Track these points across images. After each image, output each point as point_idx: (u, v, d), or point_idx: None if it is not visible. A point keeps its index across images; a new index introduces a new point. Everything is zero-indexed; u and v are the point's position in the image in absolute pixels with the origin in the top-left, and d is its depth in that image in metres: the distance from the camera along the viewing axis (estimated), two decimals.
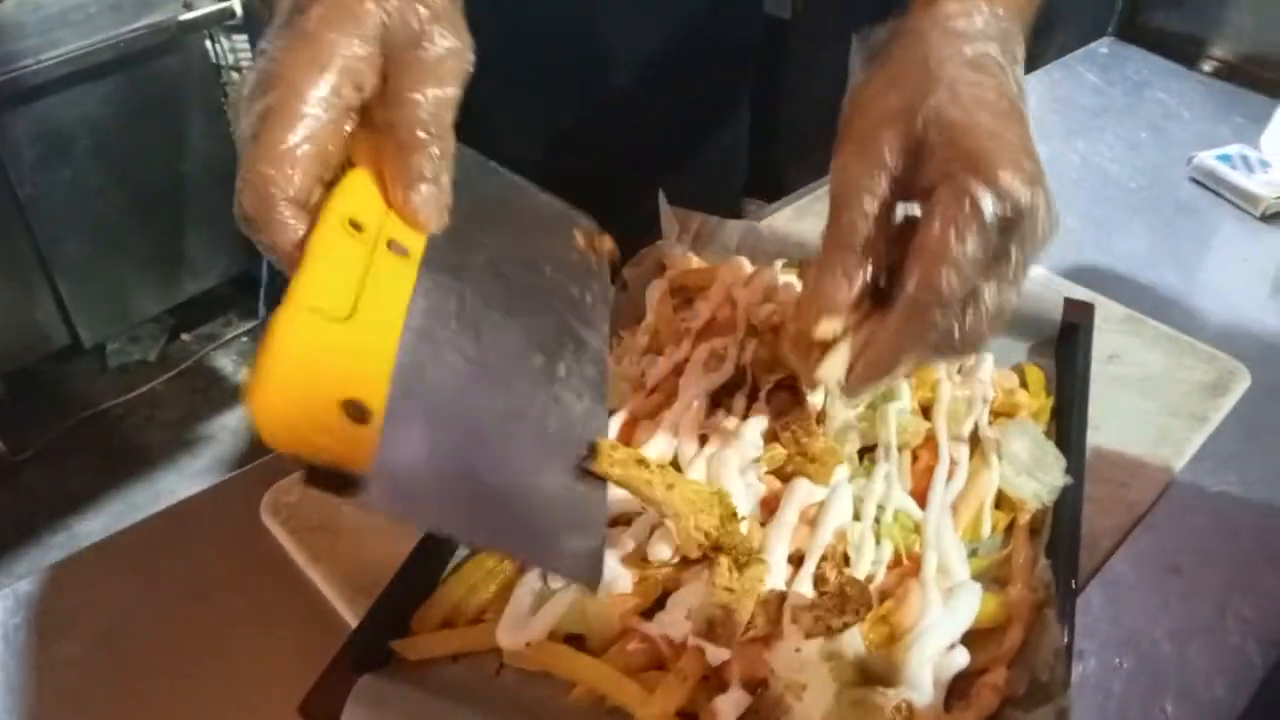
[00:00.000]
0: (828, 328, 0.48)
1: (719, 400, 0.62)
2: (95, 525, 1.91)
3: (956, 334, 0.46)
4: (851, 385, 0.50)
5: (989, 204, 0.43)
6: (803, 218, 0.88)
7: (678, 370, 0.64)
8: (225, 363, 2.28)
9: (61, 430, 2.08)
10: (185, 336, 2.32)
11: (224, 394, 2.20)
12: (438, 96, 0.43)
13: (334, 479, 0.37)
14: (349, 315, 0.39)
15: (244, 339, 2.31)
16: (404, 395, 0.39)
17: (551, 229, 0.56)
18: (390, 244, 0.43)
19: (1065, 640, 0.48)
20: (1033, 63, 1.20)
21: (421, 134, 0.43)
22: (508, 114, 0.60)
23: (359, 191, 0.43)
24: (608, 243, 0.58)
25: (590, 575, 0.44)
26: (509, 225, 0.53)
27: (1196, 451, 0.66)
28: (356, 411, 0.37)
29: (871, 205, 0.46)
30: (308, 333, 0.37)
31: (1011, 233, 0.44)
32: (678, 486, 0.51)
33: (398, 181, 0.43)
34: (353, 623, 0.52)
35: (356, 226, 0.41)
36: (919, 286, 0.44)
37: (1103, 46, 1.24)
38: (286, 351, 0.36)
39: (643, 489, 0.50)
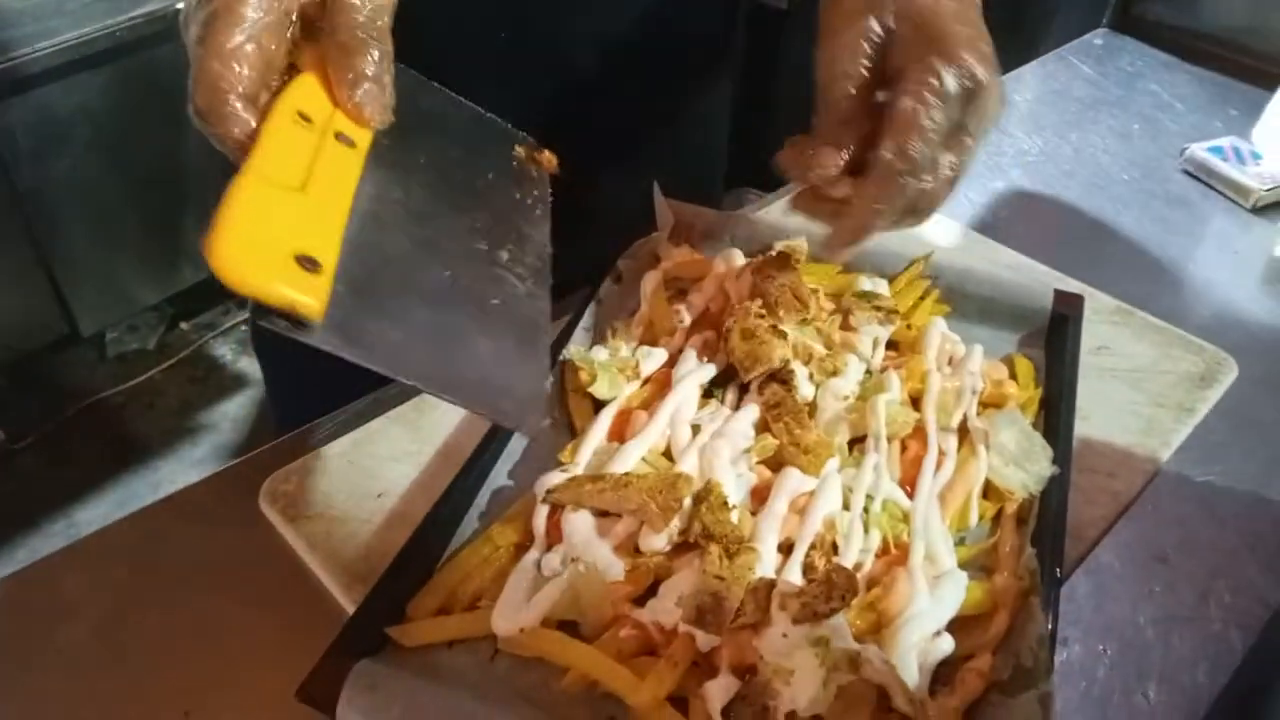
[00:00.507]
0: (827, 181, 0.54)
1: (711, 391, 0.63)
2: (95, 513, 1.91)
3: (921, 197, 0.52)
4: (833, 245, 0.56)
5: (951, 80, 0.50)
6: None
7: (671, 361, 0.65)
8: (224, 351, 2.28)
9: (61, 419, 2.09)
10: (184, 325, 2.33)
11: (223, 382, 2.21)
12: (374, 1, 0.47)
13: (285, 319, 0.41)
14: (300, 188, 0.44)
15: (243, 328, 2.31)
16: (355, 255, 0.44)
17: (491, 141, 0.60)
18: (338, 135, 0.47)
19: (1049, 627, 0.49)
20: (1028, 54, 1.20)
21: (361, 35, 0.46)
22: (479, 102, 0.62)
23: (307, 90, 0.47)
24: (548, 156, 0.62)
25: (528, 425, 0.48)
26: (449, 134, 0.58)
27: (1183, 442, 0.67)
28: (309, 263, 0.41)
29: (851, 86, 0.52)
30: (262, 195, 0.42)
31: (968, 107, 0.51)
32: (633, 482, 0.53)
33: (341, 81, 0.47)
34: (349, 609, 0.53)
35: (305, 118, 0.46)
36: (892, 152, 0.50)
37: (1097, 38, 1.24)
38: (243, 208, 0.41)
39: (598, 501, 0.53)
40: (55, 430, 2.07)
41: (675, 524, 0.52)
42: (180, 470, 2.01)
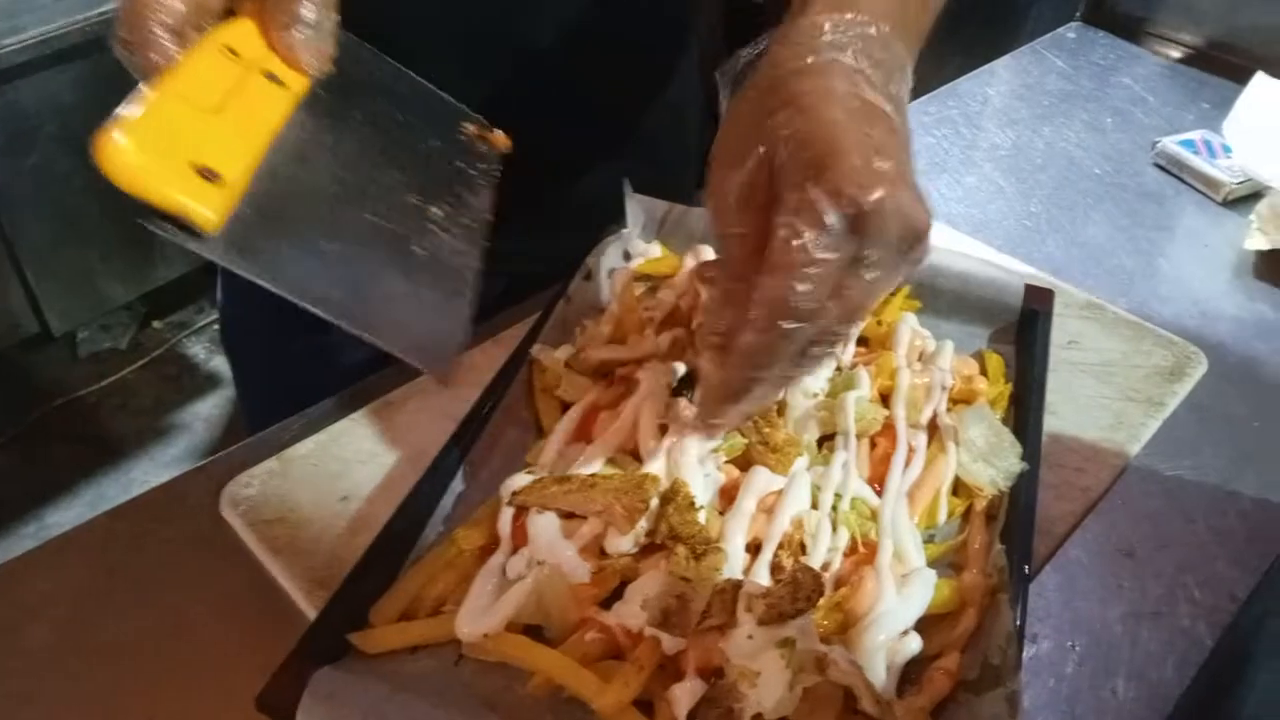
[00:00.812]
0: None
1: (680, 390, 0.63)
2: (67, 515, 1.89)
3: (811, 345, 0.45)
4: (704, 409, 0.50)
5: (826, 210, 0.42)
6: None
7: (639, 360, 0.64)
8: (197, 350, 2.26)
9: (32, 419, 2.07)
10: (156, 324, 2.30)
11: (196, 381, 2.19)
12: None
13: (178, 225, 0.42)
14: (214, 110, 0.44)
15: (215, 327, 2.29)
16: (269, 184, 0.45)
17: (441, 115, 0.61)
18: (266, 74, 0.48)
19: (1018, 624, 0.49)
20: (1001, 48, 1.20)
21: None
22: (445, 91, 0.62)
23: (241, 32, 0.47)
24: (500, 136, 0.62)
25: (441, 369, 0.50)
26: (396, 102, 0.58)
27: (1152, 436, 0.67)
28: (208, 174, 0.42)
29: (739, 246, 0.46)
30: (167, 105, 0.43)
31: (863, 234, 0.43)
32: (599, 483, 0.53)
33: (276, 23, 0.47)
34: (311, 615, 0.52)
35: (233, 53, 0.46)
36: (766, 303, 0.44)
37: (1070, 32, 1.25)
38: (143, 111, 0.41)
39: (563, 503, 0.52)
40: (26, 430, 2.05)
41: (642, 525, 0.52)
42: (153, 470, 1.99)
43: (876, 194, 0.42)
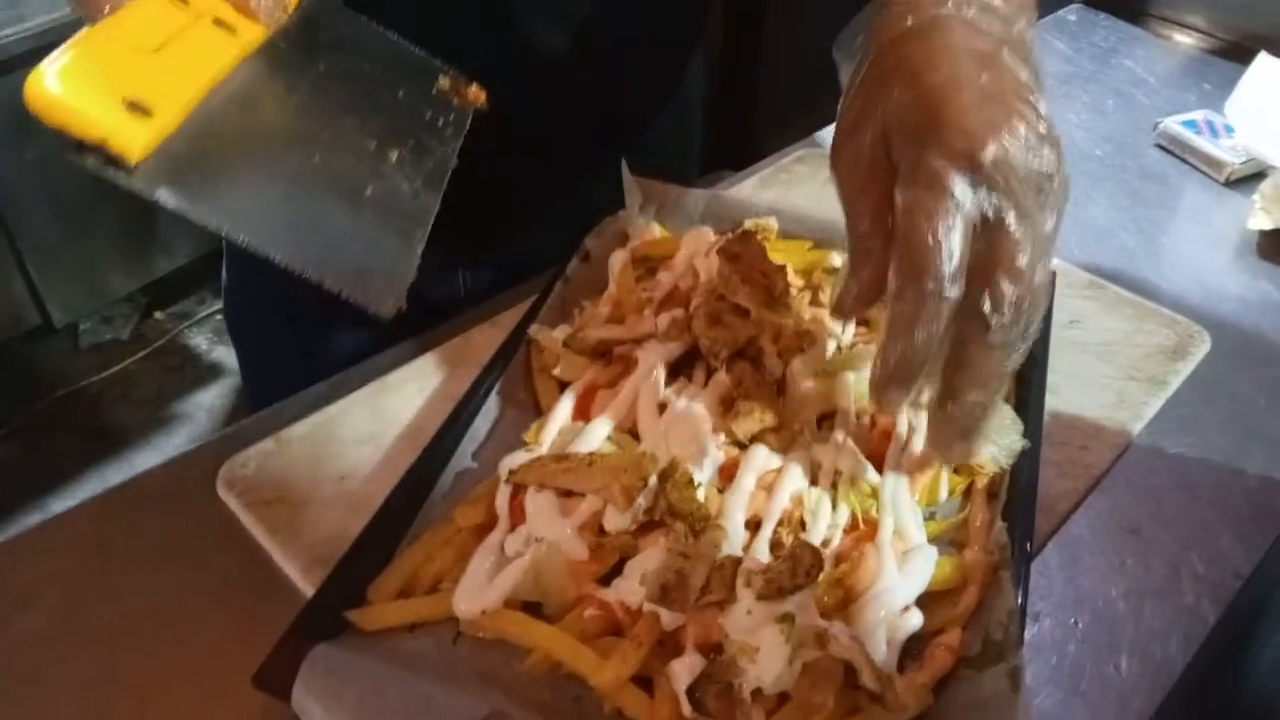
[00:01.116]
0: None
1: (679, 369, 0.62)
2: (69, 504, 1.88)
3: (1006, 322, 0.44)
4: (874, 389, 0.48)
5: (943, 173, 0.41)
6: (768, 187, 0.87)
7: (638, 340, 0.64)
8: (199, 340, 2.26)
9: (35, 410, 2.07)
10: (158, 315, 2.30)
11: (198, 372, 2.19)
12: None
13: (105, 157, 0.42)
14: (153, 50, 0.45)
15: (217, 317, 2.29)
16: (207, 124, 0.46)
17: (412, 69, 0.61)
18: (216, 20, 0.49)
19: (1019, 601, 0.49)
20: None
21: None
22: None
23: None
24: (474, 90, 0.62)
25: (383, 306, 0.49)
26: (365, 56, 0.59)
27: (1155, 415, 0.67)
28: (138, 108, 0.43)
29: (866, 220, 0.45)
30: (101, 44, 0.43)
31: (989, 187, 0.41)
32: (598, 462, 0.53)
33: None
34: (308, 595, 0.52)
35: (184, 1, 0.48)
36: (899, 271, 0.43)
37: (1071, 13, 1.24)
38: (74, 48, 0.42)
39: (562, 481, 0.52)
40: (29, 421, 2.05)
41: (640, 503, 0.51)
42: (155, 460, 1.96)
43: (990, 147, 0.41)
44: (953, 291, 0.42)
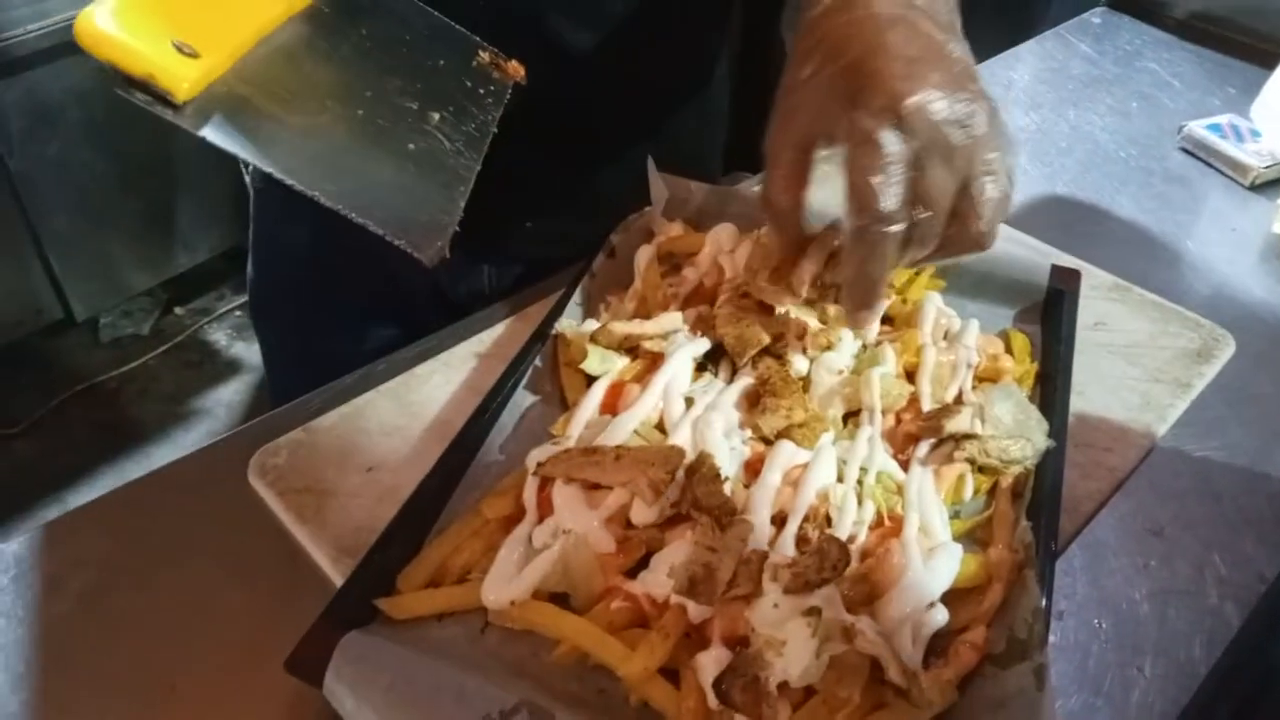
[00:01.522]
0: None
1: (705, 365, 0.63)
2: (88, 498, 1.90)
3: (920, 234, 0.49)
4: (849, 313, 0.53)
5: (870, 128, 0.46)
6: None
7: (665, 336, 0.64)
8: (219, 336, 2.27)
9: (54, 404, 2.08)
10: (178, 310, 2.32)
11: (217, 368, 2.20)
12: None
13: (153, 93, 0.44)
14: (203, 3, 0.48)
15: (237, 313, 2.30)
16: (255, 72, 0.49)
17: (453, 42, 0.63)
18: None
19: (1044, 600, 0.49)
20: (1027, 33, 1.20)
21: None
22: None
23: None
24: (514, 65, 0.64)
25: (426, 251, 0.50)
26: (407, 27, 0.61)
27: (1180, 417, 0.66)
28: (184, 49, 0.45)
29: (799, 215, 0.53)
30: None
31: (911, 134, 0.46)
32: (625, 455, 0.53)
33: None
34: (338, 583, 0.52)
35: None
36: (849, 218, 0.48)
37: (1095, 16, 1.24)
38: None
39: (589, 474, 0.53)
40: (49, 415, 2.07)
41: (667, 496, 0.52)
42: (174, 455, 1.97)
43: (909, 100, 0.46)
44: (895, 227, 0.48)
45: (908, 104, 0.46)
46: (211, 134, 0.46)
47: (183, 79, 0.45)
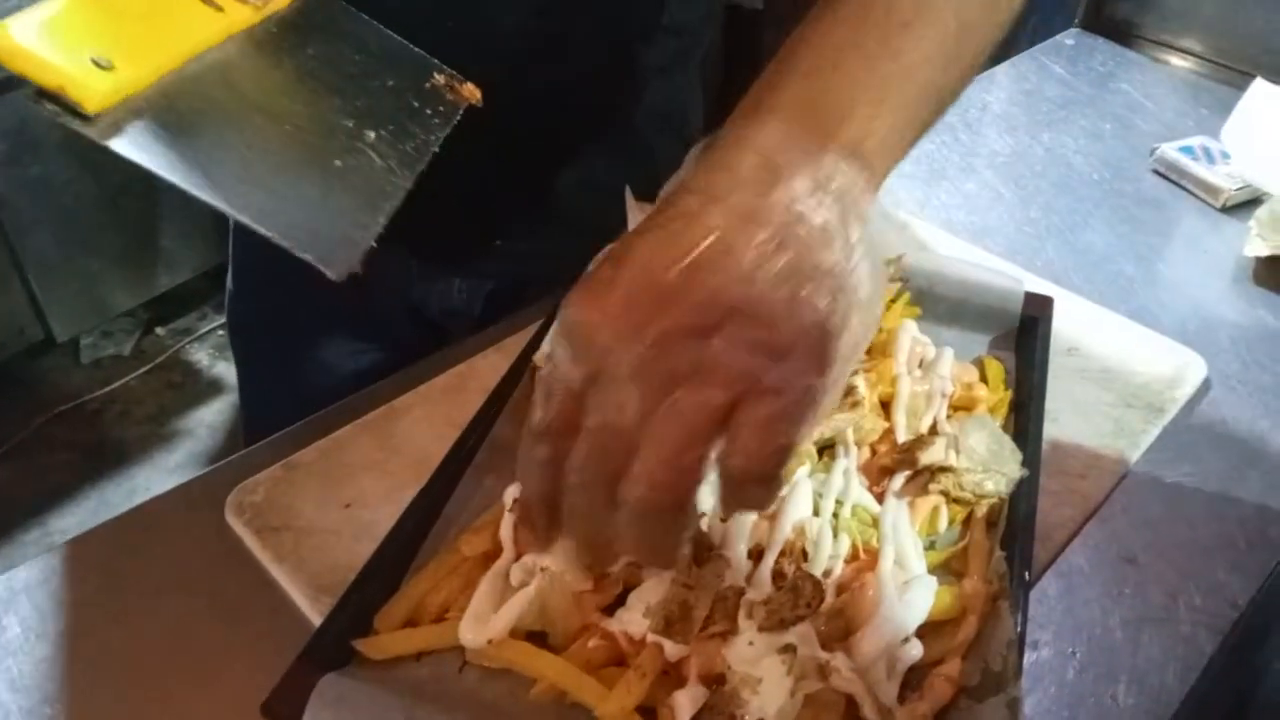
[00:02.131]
0: None
1: None
2: (70, 521, 1.89)
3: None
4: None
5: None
6: None
7: None
8: (200, 356, 2.27)
9: (35, 425, 2.07)
10: (160, 330, 2.31)
11: (199, 388, 2.19)
12: None
13: (63, 104, 0.45)
14: (130, 19, 0.49)
15: (219, 332, 2.29)
16: (180, 89, 0.49)
17: (408, 64, 0.62)
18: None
19: (1018, 631, 0.49)
20: (1001, 55, 1.21)
21: None
22: None
23: None
24: (470, 88, 0.63)
25: (335, 265, 0.48)
26: (357, 47, 0.61)
27: (1153, 443, 0.67)
28: (103, 63, 0.46)
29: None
30: (79, 8, 0.47)
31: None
32: None
33: None
34: (316, 622, 0.52)
35: None
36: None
37: (1069, 38, 1.25)
38: (54, 10, 0.46)
39: None
40: (30, 436, 2.05)
41: None
42: (156, 476, 1.99)
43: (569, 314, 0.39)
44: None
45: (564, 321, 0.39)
46: (120, 145, 0.46)
47: (93, 91, 0.45)
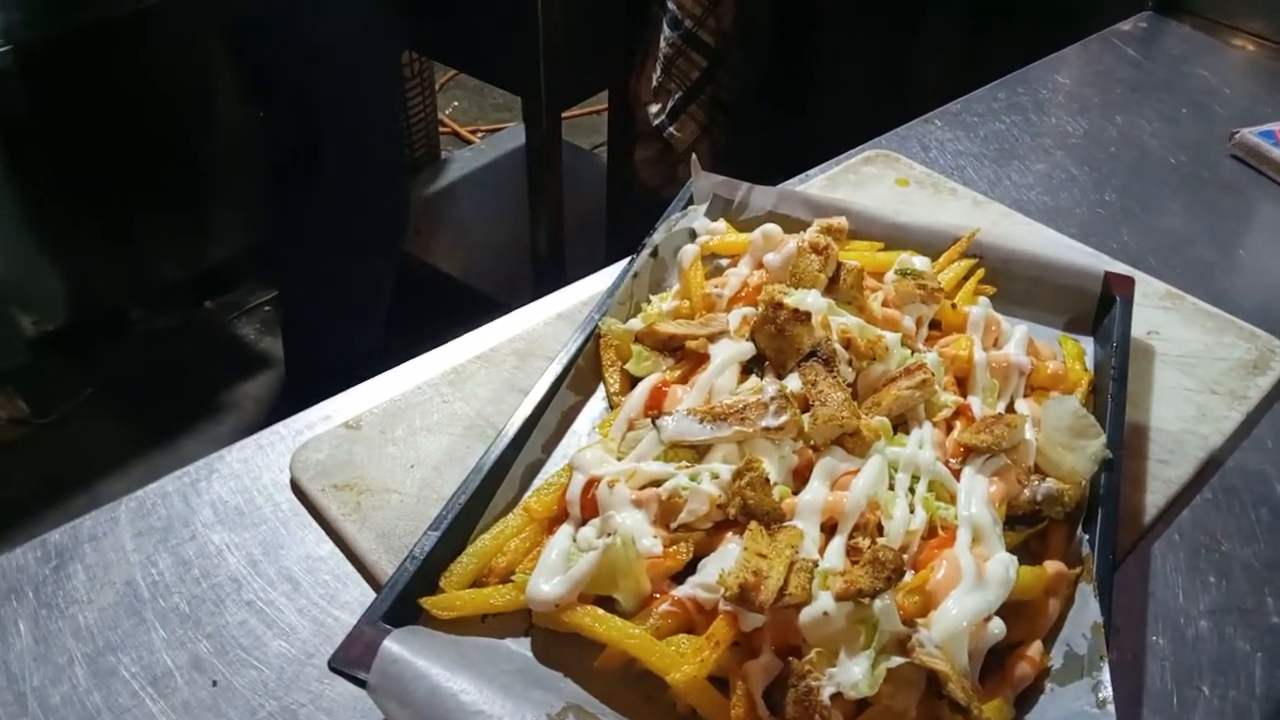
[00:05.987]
0: None
1: (750, 368, 0.62)
2: (118, 489, 1.91)
3: None
4: None
5: None
6: (836, 186, 0.86)
7: (711, 337, 0.63)
8: (248, 330, 2.28)
9: (86, 396, 2.09)
10: (209, 304, 2.32)
11: (247, 361, 2.20)
12: None
13: None
14: None
15: (266, 307, 2.31)
16: None
17: None
18: None
19: (1102, 615, 0.48)
20: (1070, 37, 1.18)
21: None
22: None
23: None
24: None
25: None
26: None
27: (1236, 429, 0.65)
28: None
29: None
30: None
31: None
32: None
33: None
34: (382, 578, 0.52)
35: None
36: None
37: (1142, 21, 1.22)
38: None
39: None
40: (80, 406, 2.07)
41: (718, 496, 0.51)
42: (203, 448, 1.99)
43: None
44: None
45: None
46: None
47: None
